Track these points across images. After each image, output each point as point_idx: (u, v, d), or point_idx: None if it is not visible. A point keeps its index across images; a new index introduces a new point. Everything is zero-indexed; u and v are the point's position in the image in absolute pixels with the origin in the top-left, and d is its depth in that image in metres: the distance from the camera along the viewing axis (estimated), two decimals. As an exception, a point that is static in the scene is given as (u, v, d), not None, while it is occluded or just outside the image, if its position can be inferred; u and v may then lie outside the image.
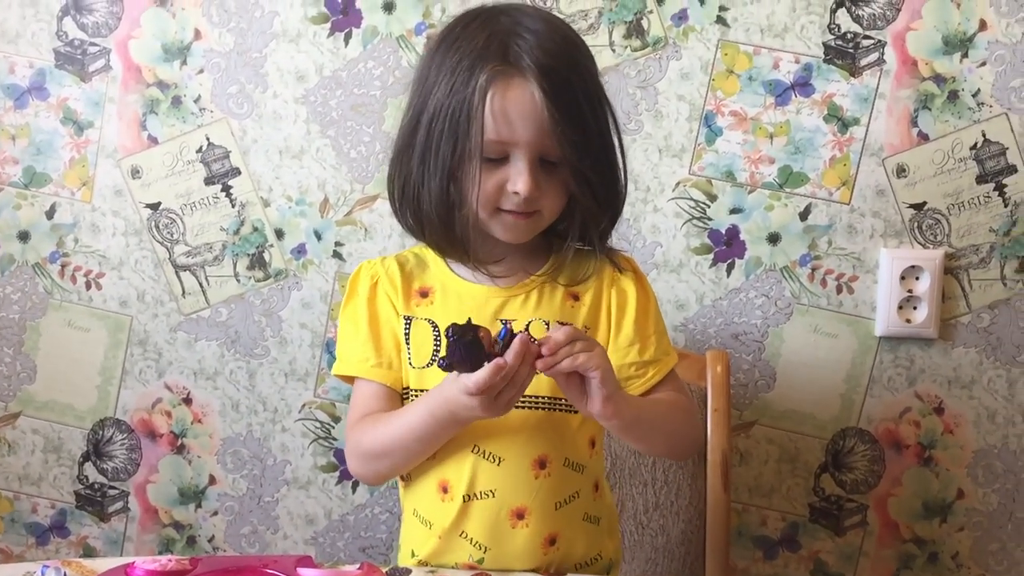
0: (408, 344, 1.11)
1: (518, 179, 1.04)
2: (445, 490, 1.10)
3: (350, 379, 1.15)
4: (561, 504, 1.09)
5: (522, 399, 1.03)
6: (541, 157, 1.05)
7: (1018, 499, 1.56)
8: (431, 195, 1.07)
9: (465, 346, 0.94)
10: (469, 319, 0.96)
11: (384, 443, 1.09)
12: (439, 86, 1.04)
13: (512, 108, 1.02)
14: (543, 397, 1.09)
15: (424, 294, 1.13)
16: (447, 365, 0.96)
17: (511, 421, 1.06)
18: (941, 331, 1.53)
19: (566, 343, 0.98)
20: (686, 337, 1.55)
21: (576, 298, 1.13)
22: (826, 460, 1.57)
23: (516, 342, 0.96)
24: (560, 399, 1.08)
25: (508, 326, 0.98)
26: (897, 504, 1.57)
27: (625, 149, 1.13)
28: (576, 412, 1.07)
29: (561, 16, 1.49)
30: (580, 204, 1.08)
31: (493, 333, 0.97)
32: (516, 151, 1.04)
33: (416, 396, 1.11)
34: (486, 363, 0.95)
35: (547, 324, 1.10)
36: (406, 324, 1.12)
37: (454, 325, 0.94)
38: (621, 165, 1.12)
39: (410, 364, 1.11)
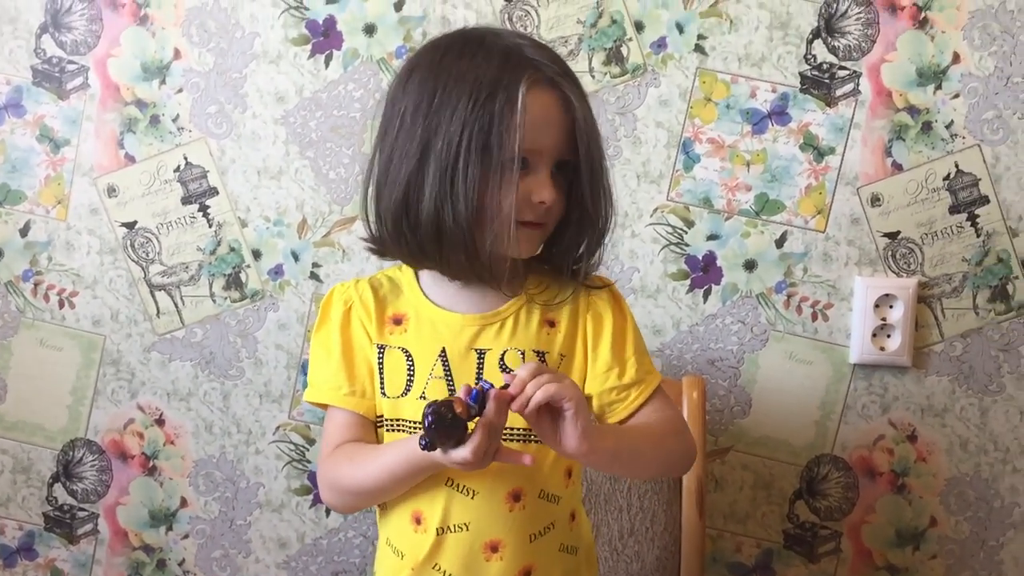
0: (381, 373, 1.10)
1: (543, 189, 1.05)
2: (419, 521, 1.08)
3: (323, 406, 1.14)
4: (536, 536, 1.08)
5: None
6: (557, 163, 1.07)
7: (990, 527, 1.57)
8: (454, 217, 1.02)
9: (447, 426, 0.94)
10: (448, 399, 0.95)
11: (360, 482, 1.08)
12: (454, 108, 1.02)
13: (541, 115, 1.03)
14: (517, 429, 1.07)
15: (398, 321, 1.11)
16: (429, 445, 0.95)
17: None
18: (914, 359, 1.54)
19: (530, 378, 0.97)
20: (663, 362, 1.55)
21: (552, 324, 1.11)
22: (800, 487, 1.57)
23: (493, 401, 0.96)
24: (530, 430, 1.06)
25: (478, 388, 0.97)
26: (870, 531, 1.58)
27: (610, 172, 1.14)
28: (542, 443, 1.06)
29: (542, 41, 1.50)
30: (576, 215, 1.09)
31: (463, 395, 0.96)
32: (540, 160, 1.05)
33: (390, 424, 1.10)
34: (467, 428, 0.96)
35: (522, 353, 1.08)
36: (379, 353, 1.10)
37: (432, 406, 0.93)
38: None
39: (383, 394, 1.10)
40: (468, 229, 1.02)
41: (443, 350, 1.09)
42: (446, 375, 1.08)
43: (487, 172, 1.02)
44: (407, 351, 1.09)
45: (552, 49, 1.11)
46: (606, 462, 1.06)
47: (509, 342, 1.09)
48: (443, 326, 1.09)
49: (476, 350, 1.08)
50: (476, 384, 0.99)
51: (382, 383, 1.10)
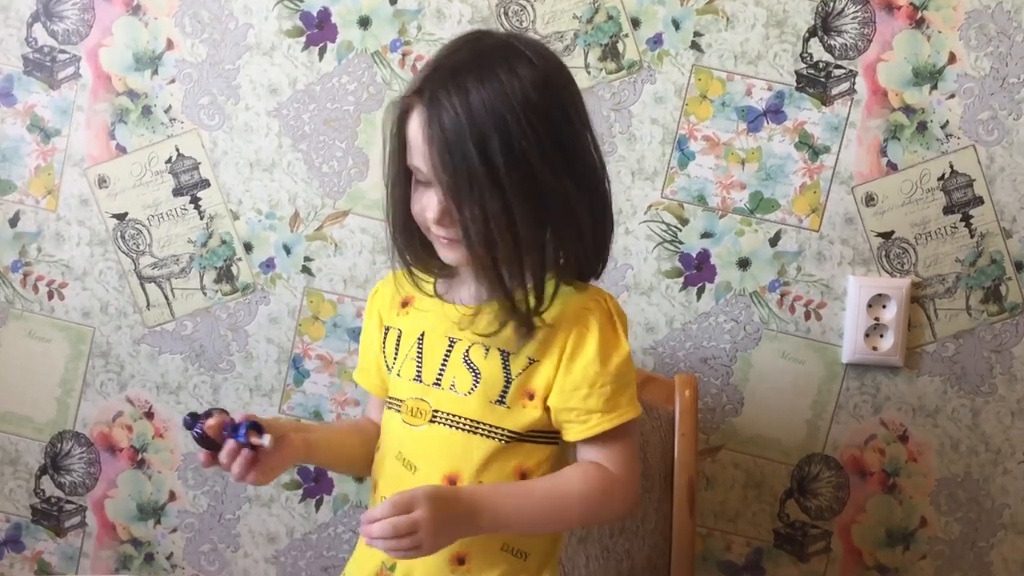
0: (384, 353, 1.19)
1: (426, 205, 1.08)
2: (374, 489, 1.18)
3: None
4: None
5: (448, 418, 1.11)
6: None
7: (980, 528, 1.57)
8: (392, 224, 1.13)
9: (199, 434, 1.05)
10: (210, 412, 1.06)
11: None
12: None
13: (413, 136, 1.06)
14: (470, 420, 1.10)
15: (405, 304, 1.19)
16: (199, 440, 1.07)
17: (436, 435, 1.11)
18: (907, 359, 1.54)
19: (382, 516, 0.99)
20: (655, 360, 1.55)
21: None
22: (791, 486, 1.57)
23: (224, 451, 1.05)
24: (483, 423, 1.10)
25: (234, 430, 1.05)
26: (861, 531, 1.58)
27: (580, 198, 1.08)
28: (499, 440, 1.10)
29: (536, 37, 1.50)
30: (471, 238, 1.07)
31: (227, 423, 1.06)
32: (424, 177, 1.07)
33: (392, 403, 1.18)
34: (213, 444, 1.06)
35: (487, 350, 1.10)
36: (384, 334, 1.19)
37: (191, 415, 1.06)
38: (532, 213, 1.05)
39: (388, 369, 1.18)
40: (407, 235, 1.12)
41: (422, 333, 1.15)
42: (418, 357, 1.14)
43: (407, 186, 1.10)
44: (400, 332, 1.17)
45: (476, 68, 1.05)
46: (495, 532, 1.08)
47: (480, 337, 1.10)
48: (433, 312, 1.15)
49: (449, 338, 1.13)
50: (233, 421, 1.06)
51: (385, 360, 1.19)
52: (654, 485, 1.41)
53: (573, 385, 1.09)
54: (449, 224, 1.06)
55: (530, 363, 1.10)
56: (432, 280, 1.16)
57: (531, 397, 1.10)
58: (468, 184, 1.02)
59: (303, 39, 1.53)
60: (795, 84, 1.51)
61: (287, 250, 1.56)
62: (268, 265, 1.56)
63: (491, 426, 1.10)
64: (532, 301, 1.07)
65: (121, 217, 1.57)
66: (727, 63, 1.52)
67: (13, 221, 1.57)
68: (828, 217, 1.53)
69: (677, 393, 1.42)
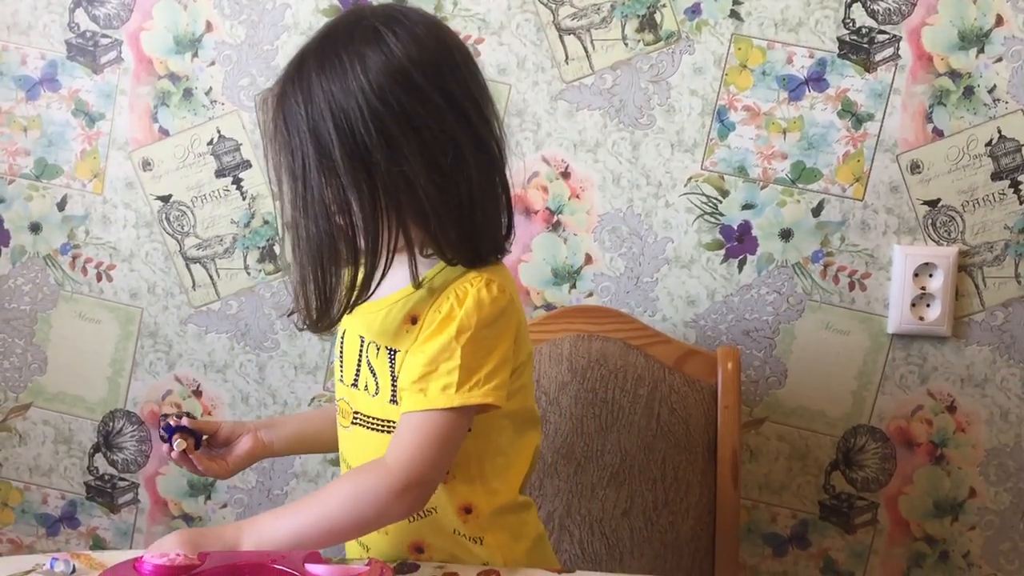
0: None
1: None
2: None
3: None
4: (413, 518, 1.08)
5: (365, 419, 1.09)
6: None
7: (1030, 498, 1.55)
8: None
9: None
10: (175, 414, 1.16)
11: None
12: None
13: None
14: (380, 420, 1.08)
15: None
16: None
17: (360, 436, 1.10)
18: (954, 329, 1.52)
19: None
20: (697, 333, 1.54)
21: (414, 321, 1.06)
22: (837, 457, 1.56)
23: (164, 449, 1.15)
24: (393, 422, 1.06)
25: (170, 424, 1.15)
26: (908, 502, 1.56)
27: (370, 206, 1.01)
28: None
29: (573, 10, 1.49)
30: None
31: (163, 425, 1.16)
32: None
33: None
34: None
35: (378, 348, 1.07)
36: (340, 337, 1.16)
37: (166, 417, 1.16)
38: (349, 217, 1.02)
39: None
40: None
41: (344, 332, 1.13)
42: (340, 356, 1.13)
43: None
44: (344, 331, 1.14)
45: (315, 57, 1.01)
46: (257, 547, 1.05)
47: (374, 334, 1.08)
48: (359, 310, 1.07)
49: (360, 337, 1.09)
50: (169, 421, 1.15)
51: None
52: (697, 457, 1.41)
53: (403, 366, 1.05)
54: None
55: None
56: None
57: None
58: (303, 176, 1.00)
59: (340, 18, 1.53)
60: (837, 51, 1.49)
61: (328, 229, 1.57)
62: (310, 244, 1.58)
63: (395, 425, 1.06)
64: (371, 285, 1.03)
65: (165, 199, 1.59)
66: (767, 31, 1.49)
67: (61, 205, 1.60)
68: (872, 186, 1.51)
69: (720, 366, 1.41)
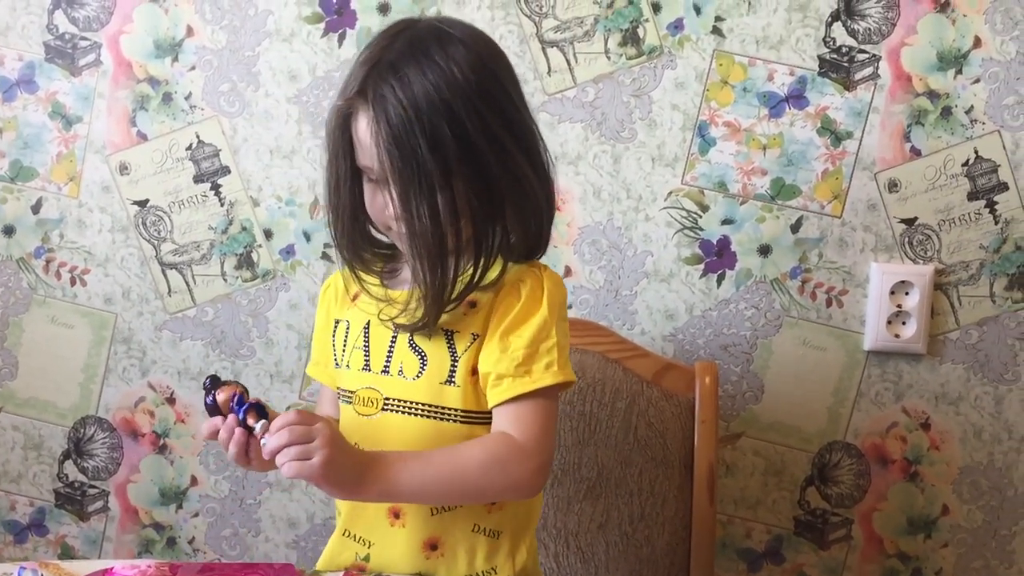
0: (333, 346, 1.17)
1: (385, 203, 1.07)
2: None
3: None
4: (437, 511, 1.09)
5: (400, 405, 1.09)
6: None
7: (1003, 516, 1.56)
8: (335, 221, 1.13)
9: (208, 403, 1.02)
10: (225, 384, 1.03)
11: None
12: None
13: (360, 136, 1.05)
14: (422, 404, 1.09)
15: (355, 297, 1.16)
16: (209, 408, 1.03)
17: (391, 423, 1.10)
18: (929, 347, 1.53)
19: (278, 429, 0.98)
20: (675, 347, 1.55)
21: (473, 305, 1.10)
22: (812, 473, 1.57)
23: (224, 425, 1.01)
24: (435, 406, 1.09)
25: (249, 401, 1.01)
26: (882, 519, 1.57)
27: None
28: (454, 421, 1.08)
29: (556, 22, 1.49)
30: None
31: (234, 397, 1.02)
32: (372, 175, 1.07)
33: (343, 395, 1.15)
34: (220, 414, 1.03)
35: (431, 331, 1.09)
36: (335, 326, 1.17)
37: (209, 379, 1.03)
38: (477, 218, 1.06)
39: (336, 364, 1.16)
40: (352, 238, 1.12)
41: (368, 322, 1.13)
42: (364, 346, 1.12)
43: (355, 188, 1.10)
44: (348, 323, 1.15)
45: (416, 65, 1.04)
46: (389, 500, 1.07)
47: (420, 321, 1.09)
48: (379, 300, 1.11)
49: (395, 324, 1.10)
50: (245, 397, 1.02)
51: (334, 353, 1.16)
52: (674, 472, 1.41)
53: (490, 351, 1.07)
54: (384, 218, 1.08)
55: (474, 339, 1.09)
56: (377, 282, 1.13)
57: (475, 373, 1.09)
58: (418, 179, 1.02)
59: (322, 25, 1.53)
60: (818, 69, 1.50)
61: (307, 237, 1.56)
62: (288, 252, 1.57)
63: (444, 408, 1.09)
64: (461, 287, 1.06)
65: (142, 204, 1.57)
66: (749, 48, 1.50)
67: (36, 208, 1.58)
68: (850, 203, 1.52)
69: (697, 380, 1.41)
